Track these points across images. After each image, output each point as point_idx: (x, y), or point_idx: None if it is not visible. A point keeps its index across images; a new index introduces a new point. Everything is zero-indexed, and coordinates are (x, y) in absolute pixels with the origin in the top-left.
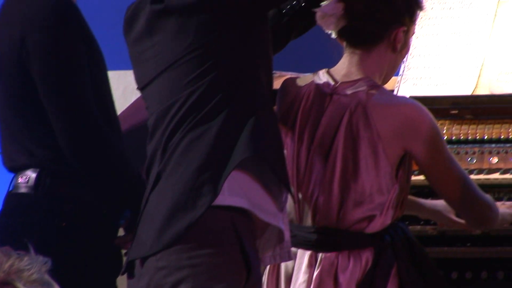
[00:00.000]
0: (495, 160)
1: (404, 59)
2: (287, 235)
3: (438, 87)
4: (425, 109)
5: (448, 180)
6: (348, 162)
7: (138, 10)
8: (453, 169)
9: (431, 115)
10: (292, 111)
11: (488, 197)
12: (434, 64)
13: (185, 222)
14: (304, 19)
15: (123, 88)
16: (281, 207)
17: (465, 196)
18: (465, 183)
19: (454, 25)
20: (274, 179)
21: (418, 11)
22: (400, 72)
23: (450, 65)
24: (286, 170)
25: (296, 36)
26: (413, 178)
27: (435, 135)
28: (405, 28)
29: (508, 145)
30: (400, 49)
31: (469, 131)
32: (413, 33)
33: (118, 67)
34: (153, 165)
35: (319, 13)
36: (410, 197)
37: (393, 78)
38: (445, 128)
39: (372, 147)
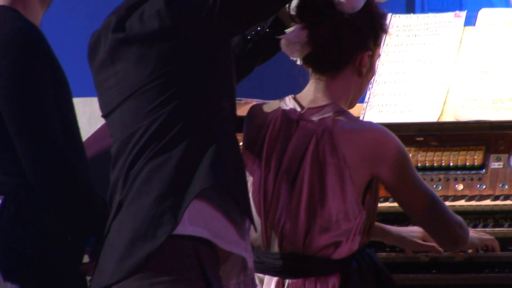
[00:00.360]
0: (460, 187)
1: (370, 86)
2: (250, 262)
3: (404, 114)
4: (391, 133)
5: (417, 201)
6: (315, 188)
7: (100, 37)
8: (422, 190)
9: (397, 139)
10: (259, 137)
11: (458, 216)
12: (400, 91)
13: (146, 250)
14: (269, 45)
15: (89, 115)
16: (244, 235)
17: (436, 216)
18: (435, 203)
19: (419, 52)
20: (236, 207)
21: (383, 35)
22: (366, 99)
23: (415, 92)
24: (248, 199)
25: (261, 62)
26: (379, 205)
27: (402, 157)
28: (370, 53)
29: (473, 172)
30: (366, 73)
31: (434, 158)
32: (379, 56)
33: (84, 93)
34: (115, 193)
35: (283, 40)
36: (376, 223)
37: (359, 105)
38: (410, 155)
39: (339, 173)
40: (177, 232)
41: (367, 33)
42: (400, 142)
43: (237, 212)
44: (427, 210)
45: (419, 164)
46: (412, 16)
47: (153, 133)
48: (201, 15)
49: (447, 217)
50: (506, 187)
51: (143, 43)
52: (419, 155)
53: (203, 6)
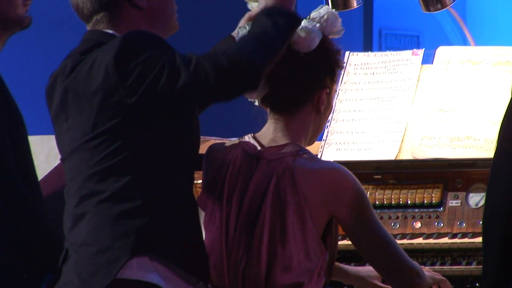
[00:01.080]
0: (418, 224)
1: (328, 123)
2: None
3: (362, 152)
4: (350, 173)
5: (373, 245)
6: (276, 227)
7: (56, 81)
8: (379, 234)
9: (356, 180)
10: (220, 177)
11: (415, 263)
12: (358, 129)
13: None
14: None
15: (47, 153)
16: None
17: (391, 261)
18: (391, 248)
19: (377, 90)
20: None
21: (339, 71)
22: (324, 137)
23: (373, 130)
24: (203, 260)
25: None
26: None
27: (360, 199)
28: (328, 90)
29: (431, 209)
30: (324, 110)
31: (392, 196)
32: (336, 92)
33: (42, 131)
34: (66, 239)
35: None
36: (335, 263)
37: (317, 142)
38: (368, 192)
39: (299, 212)
40: (126, 277)
41: (323, 71)
42: (359, 183)
43: None
44: (383, 254)
45: (377, 202)
46: (369, 54)
47: (95, 186)
48: (157, 87)
49: (403, 263)
50: (464, 225)
51: (88, 96)
52: (377, 193)
53: (157, 79)
